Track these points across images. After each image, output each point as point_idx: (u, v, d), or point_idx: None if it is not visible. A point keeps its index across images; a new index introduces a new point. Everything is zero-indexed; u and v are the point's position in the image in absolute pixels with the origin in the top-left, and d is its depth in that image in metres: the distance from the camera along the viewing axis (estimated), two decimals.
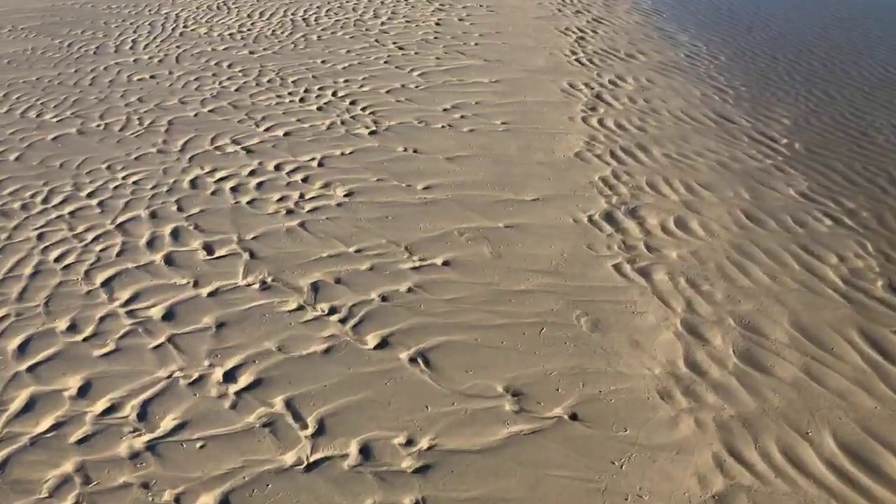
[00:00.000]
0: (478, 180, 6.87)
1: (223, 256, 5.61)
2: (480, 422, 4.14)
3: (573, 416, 4.19)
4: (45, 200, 6.47)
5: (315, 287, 5.26)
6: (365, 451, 3.91)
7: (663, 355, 4.68)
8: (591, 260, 5.68)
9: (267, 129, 8.02)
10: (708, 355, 4.69)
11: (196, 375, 4.40)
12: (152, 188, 6.69)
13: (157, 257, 5.56)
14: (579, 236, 5.98)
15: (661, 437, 4.04)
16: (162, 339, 4.70)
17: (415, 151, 7.50)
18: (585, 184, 6.81)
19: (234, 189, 6.68)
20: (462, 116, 8.41)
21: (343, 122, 8.24)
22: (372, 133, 7.95)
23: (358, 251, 5.72)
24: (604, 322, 4.98)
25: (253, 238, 5.85)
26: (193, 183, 6.81)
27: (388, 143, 7.68)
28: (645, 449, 3.95)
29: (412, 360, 4.58)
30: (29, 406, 4.17)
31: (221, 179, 6.87)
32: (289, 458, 3.85)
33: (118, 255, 5.60)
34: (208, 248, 5.70)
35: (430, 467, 3.81)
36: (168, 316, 4.92)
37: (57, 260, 5.54)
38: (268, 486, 3.69)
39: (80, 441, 3.94)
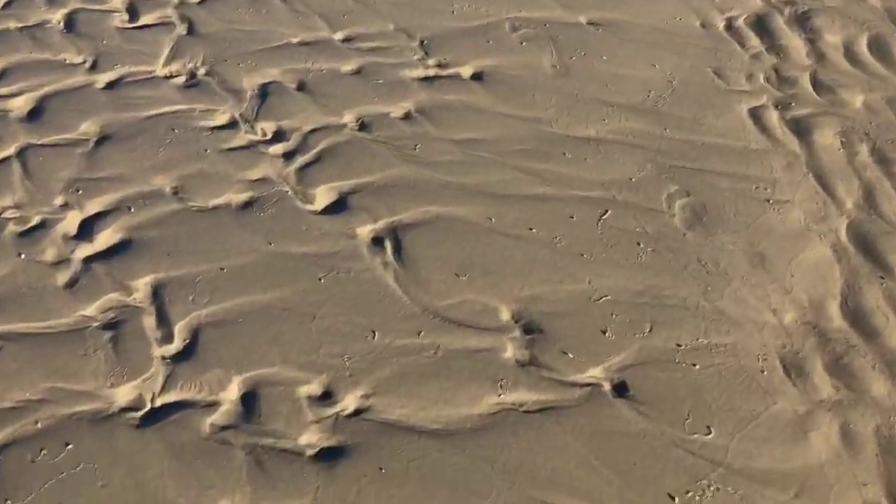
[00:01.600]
0: None
1: (148, 26, 3.73)
2: (459, 380, 2.42)
3: (618, 387, 2.40)
4: None
5: (263, 93, 3.38)
6: (248, 400, 2.32)
7: (804, 290, 2.70)
8: (714, 96, 3.48)
9: None
10: (888, 301, 2.67)
11: (35, 221, 2.80)
12: None
13: (56, 17, 3.74)
14: (704, 52, 3.70)
15: (767, 461, 2.23)
16: (10, 151, 3.07)
17: None
18: None
19: None
20: None
21: None
22: None
23: (346, 40, 3.69)
24: (712, 212, 2.95)
25: (200, 2, 3.89)
26: None
27: None
28: (732, 476, 2.18)
29: (375, 240, 2.79)
30: None
31: None
32: (121, 399, 2.31)
33: (5, 5, 3.82)
34: (132, 11, 3.81)
35: (344, 451, 2.21)
36: (34, 113, 3.24)
37: None
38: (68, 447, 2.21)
39: None
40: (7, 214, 2.81)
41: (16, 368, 2.37)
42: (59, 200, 2.88)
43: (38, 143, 3.10)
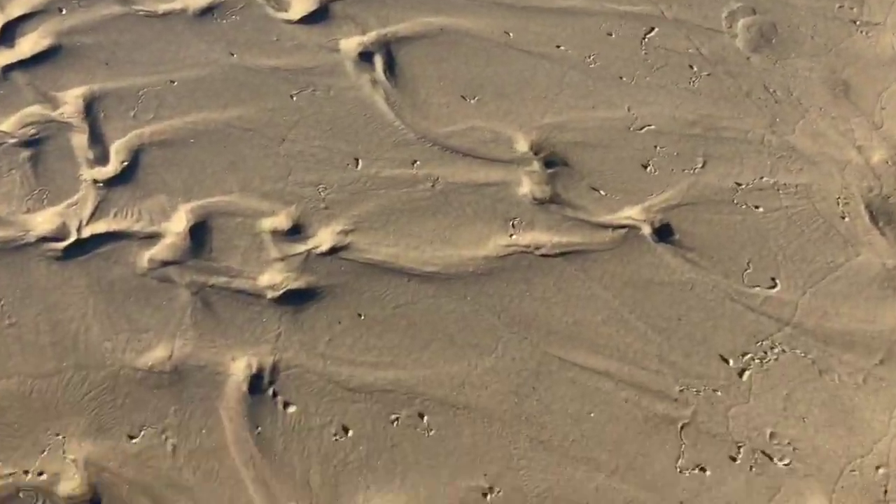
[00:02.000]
0: None
1: None
2: (461, 218, 1.93)
3: (661, 231, 1.91)
4: None
5: None
6: (197, 232, 1.86)
7: None
8: None
9: None
10: None
11: None
12: None
13: None
14: None
15: (847, 321, 1.76)
16: None
17: None
18: None
19: None
20: None
21: None
22: None
23: None
24: (783, 33, 2.37)
25: None
26: None
27: None
28: (802, 337, 1.72)
29: (363, 55, 2.25)
30: None
31: None
32: (39, 227, 1.86)
33: None
34: None
35: (314, 295, 1.77)
36: None
37: None
38: None
39: None
40: None
41: None
42: None
43: None
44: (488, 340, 1.71)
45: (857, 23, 2.44)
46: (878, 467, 1.57)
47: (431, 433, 1.58)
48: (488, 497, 1.49)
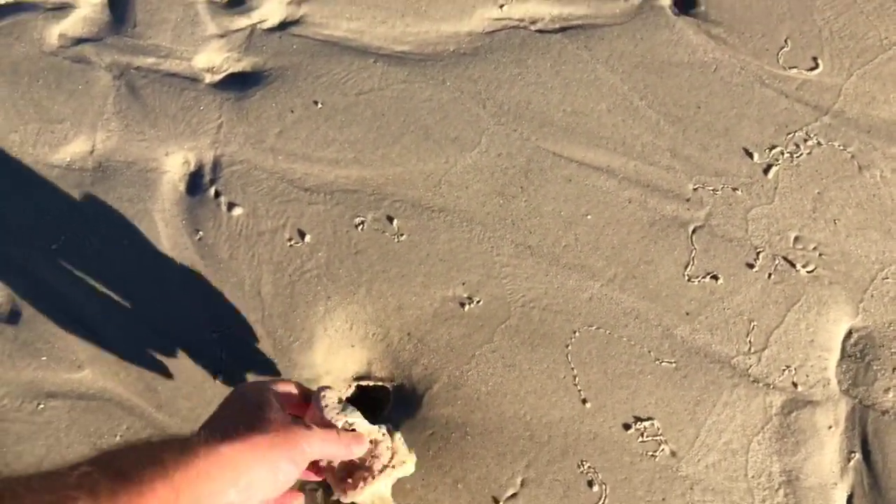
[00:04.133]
0: None
1: None
2: None
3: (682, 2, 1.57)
4: None
5: None
6: (117, 2, 1.52)
7: None
8: None
9: None
10: None
11: None
12: None
13: None
14: None
15: None
16: None
17: None
18: None
19: None
20: None
21: None
22: None
23: None
24: None
25: None
26: None
27: None
28: (842, 127, 1.45)
29: None
30: None
31: None
32: None
33: None
34: None
35: (261, 79, 1.47)
36: None
37: None
38: None
39: None
40: None
41: None
42: None
43: None
44: (470, 133, 1.44)
45: None
46: None
47: (402, 238, 1.35)
48: (466, 307, 1.30)
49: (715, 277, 1.34)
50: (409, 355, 1.27)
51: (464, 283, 1.33)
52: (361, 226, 1.37)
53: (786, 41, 1.55)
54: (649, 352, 1.28)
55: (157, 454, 0.72)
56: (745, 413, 1.24)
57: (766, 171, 1.43)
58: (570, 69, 1.51)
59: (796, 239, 1.38)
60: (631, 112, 1.48)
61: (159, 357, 1.26)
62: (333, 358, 1.28)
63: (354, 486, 0.97)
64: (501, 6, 1.56)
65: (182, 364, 1.26)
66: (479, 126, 1.46)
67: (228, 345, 1.27)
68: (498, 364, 1.26)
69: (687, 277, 1.34)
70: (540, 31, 1.54)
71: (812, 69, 1.52)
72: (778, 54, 1.54)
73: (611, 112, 1.48)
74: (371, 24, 1.54)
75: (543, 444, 1.21)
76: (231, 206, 1.37)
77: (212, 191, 1.39)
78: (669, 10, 1.57)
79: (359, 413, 0.97)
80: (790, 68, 1.52)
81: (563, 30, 1.55)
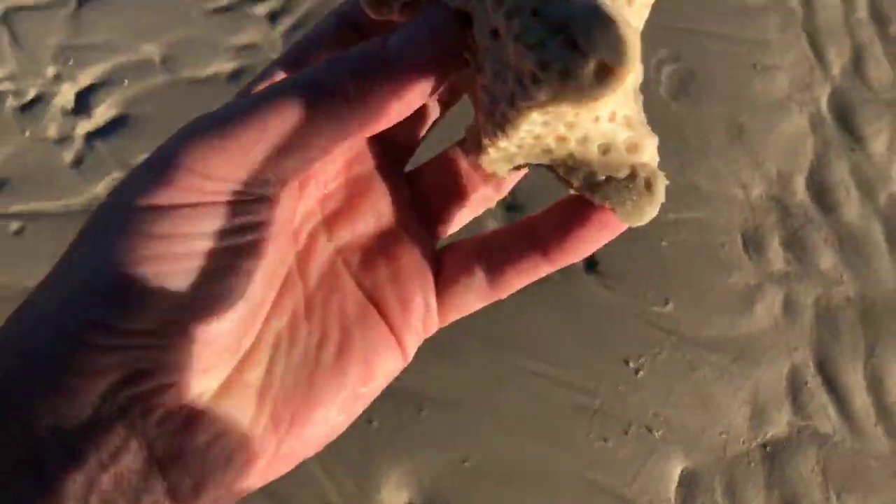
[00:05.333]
0: None
1: None
2: None
3: (588, 262, 2.64)
4: None
5: None
6: None
7: (775, 163, 2.83)
8: None
9: None
10: (852, 174, 2.81)
11: (32, 94, 2.85)
12: None
13: None
14: None
15: (715, 329, 2.54)
16: None
17: None
18: None
19: None
20: None
21: None
22: None
23: None
24: (699, 80, 2.97)
25: None
26: None
27: None
28: (683, 343, 2.50)
29: None
30: None
31: None
32: None
33: None
34: None
35: None
36: None
37: None
38: None
39: None
40: (3, 87, 2.86)
41: (40, 248, 2.60)
42: (51, 71, 2.91)
43: (21, 4, 3.04)
44: (463, 354, 2.49)
45: (758, 66, 3.04)
46: (721, 433, 2.40)
47: (422, 416, 2.39)
48: (466, 463, 2.33)
49: (605, 440, 2.37)
50: None
51: (460, 449, 2.36)
52: (396, 414, 2.40)
53: (650, 288, 2.62)
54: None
55: None
56: None
57: (636, 372, 2.48)
58: (529, 307, 2.57)
59: (654, 414, 2.41)
60: (558, 336, 2.53)
61: None
62: None
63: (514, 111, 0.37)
64: None
65: None
66: (469, 346, 2.50)
67: None
68: None
69: (589, 438, 2.37)
70: None
71: (665, 306, 2.59)
72: (645, 296, 2.60)
73: (550, 336, 2.53)
74: None
75: None
76: None
77: None
78: (582, 269, 2.64)
79: None
80: (653, 306, 2.58)
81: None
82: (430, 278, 0.51)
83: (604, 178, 0.44)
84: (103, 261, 0.38)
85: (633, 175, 0.44)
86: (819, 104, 2.95)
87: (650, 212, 0.48)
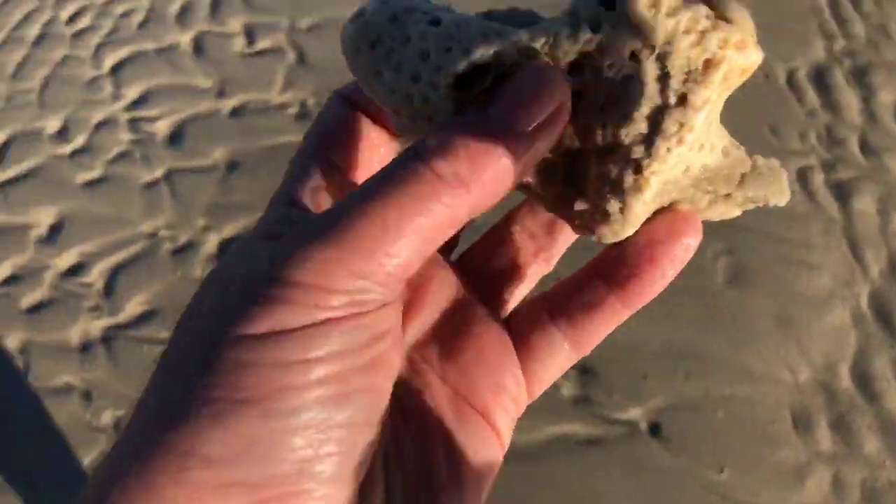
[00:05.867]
0: None
1: (263, 52, 4.24)
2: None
3: (653, 427, 2.96)
4: None
5: None
6: None
7: (821, 352, 3.17)
8: (768, 154, 3.84)
9: None
10: (893, 368, 3.13)
11: (184, 241, 3.43)
12: None
13: (185, 39, 4.28)
14: (763, 106, 4.04)
15: (766, 499, 2.78)
16: (158, 174, 3.67)
17: None
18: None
19: None
20: None
21: None
22: None
23: None
24: (751, 273, 3.41)
25: (309, 29, 4.36)
26: None
27: None
28: None
29: None
30: None
31: None
32: None
33: (140, 26, 4.36)
34: (249, 35, 4.32)
35: None
36: (175, 137, 3.82)
37: (70, 21, 4.40)
38: None
39: (32, 310, 3.22)
40: (162, 234, 3.45)
41: None
42: (201, 223, 3.49)
43: (180, 167, 3.70)
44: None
45: (803, 264, 3.46)
46: None
47: None
48: None
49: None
50: None
51: None
52: None
53: (706, 454, 2.90)
54: None
55: None
56: None
57: None
58: (591, 465, 2.87)
59: None
60: (625, 497, 2.80)
61: None
62: None
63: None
64: (555, 426, 2.96)
65: None
66: (541, 500, 2.79)
67: None
68: None
69: None
70: (576, 443, 2.92)
71: (721, 473, 2.85)
72: (702, 462, 2.88)
73: (615, 492, 2.80)
74: None
75: None
76: None
77: None
78: (646, 432, 2.95)
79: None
80: (708, 471, 2.85)
81: (589, 442, 2.93)
82: (513, 353, 0.48)
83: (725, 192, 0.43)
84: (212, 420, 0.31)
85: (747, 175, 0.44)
86: (860, 301, 3.33)
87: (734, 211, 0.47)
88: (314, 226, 0.36)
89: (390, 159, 0.42)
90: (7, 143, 3.78)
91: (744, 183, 0.46)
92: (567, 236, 0.54)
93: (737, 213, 0.47)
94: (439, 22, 0.36)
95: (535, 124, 0.36)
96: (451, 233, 0.37)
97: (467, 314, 0.49)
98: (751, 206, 0.46)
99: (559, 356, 0.50)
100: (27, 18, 4.40)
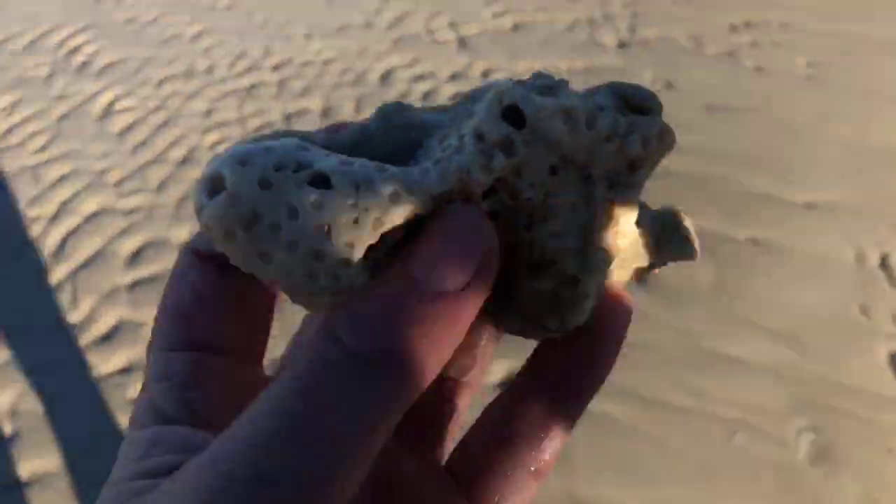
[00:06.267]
0: None
1: None
2: None
3: None
4: None
5: None
6: None
7: None
8: (857, 334, 3.83)
9: None
10: None
11: None
12: None
13: None
14: (853, 286, 4.06)
15: None
16: None
17: None
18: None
19: None
20: None
21: None
22: None
23: None
24: (836, 453, 3.31)
25: None
26: None
27: None
28: None
29: None
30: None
31: None
32: None
33: None
34: None
35: None
36: None
37: None
38: None
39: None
40: None
41: None
42: None
43: None
44: None
45: (893, 451, 3.34)
46: None
47: None
48: None
49: None
50: None
51: None
52: None
53: None
54: None
55: None
56: None
57: None
58: None
59: None
60: None
61: None
62: None
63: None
64: None
65: None
66: None
67: None
68: None
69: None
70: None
71: None
72: None
73: None
74: None
75: None
76: None
77: None
78: None
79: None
80: None
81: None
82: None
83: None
84: None
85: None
86: None
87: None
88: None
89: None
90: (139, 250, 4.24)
91: (656, 252, 0.42)
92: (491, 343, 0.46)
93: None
94: (327, 179, 0.29)
95: (468, 280, 0.30)
96: (395, 419, 0.31)
97: (397, 475, 0.39)
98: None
99: (525, 490, 0.39)
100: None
